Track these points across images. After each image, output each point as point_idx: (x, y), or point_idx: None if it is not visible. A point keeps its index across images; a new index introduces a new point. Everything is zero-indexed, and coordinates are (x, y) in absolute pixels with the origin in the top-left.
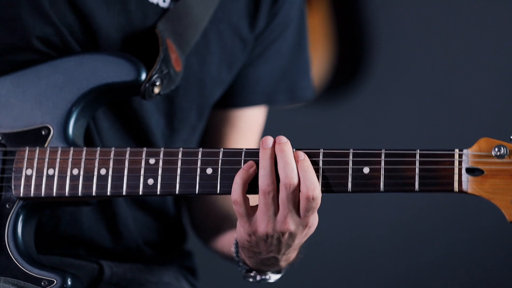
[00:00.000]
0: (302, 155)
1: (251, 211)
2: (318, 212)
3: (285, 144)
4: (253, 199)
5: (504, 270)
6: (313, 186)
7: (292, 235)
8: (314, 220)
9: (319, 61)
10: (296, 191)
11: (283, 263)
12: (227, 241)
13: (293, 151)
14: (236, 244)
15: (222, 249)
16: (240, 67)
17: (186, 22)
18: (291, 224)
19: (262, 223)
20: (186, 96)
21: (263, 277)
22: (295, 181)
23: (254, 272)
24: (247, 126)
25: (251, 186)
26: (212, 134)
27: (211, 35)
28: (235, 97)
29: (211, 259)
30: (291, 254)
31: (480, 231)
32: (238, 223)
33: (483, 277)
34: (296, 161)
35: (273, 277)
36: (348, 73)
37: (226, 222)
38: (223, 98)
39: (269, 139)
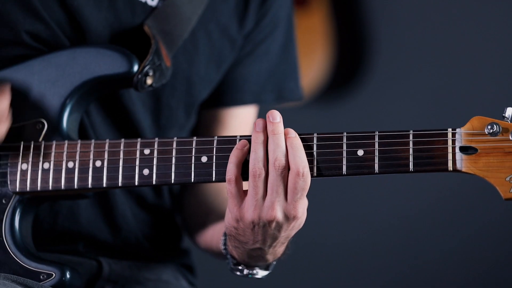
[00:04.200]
0: (293, 132)
1: (242, 194)
2: (318, 211)
3: (277, 125)
4: (245, 184)
5: (504, 269)
6: (303, 164)
7: (278, 225)
8: (301, 210)
9: (319, 61)
10: (285, 172)
11: (269, 257)
12: (216, 236)
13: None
14: (225, 236)
15: (211, 243)
16: (229, 67)
17: (174, 21)
18: (278, 211)
19: (249, 208)
20: (173, 94)
21: (251, 271)
22: (283, 162)
23: (242, 265)
24: (237, 125)
25: (244, 172)
26: (202, 133)
27: (199, 34)
28: (224, 96)
29: (209, 257)
30: (278, 249)
31: (480, 231)
32: (227, 208)
33: (484, 277)
34: (287, 138)
35: (260, 273)
36: (348, 73)
37: (211, 215)
38: (212, 97)
39: (262, 122)
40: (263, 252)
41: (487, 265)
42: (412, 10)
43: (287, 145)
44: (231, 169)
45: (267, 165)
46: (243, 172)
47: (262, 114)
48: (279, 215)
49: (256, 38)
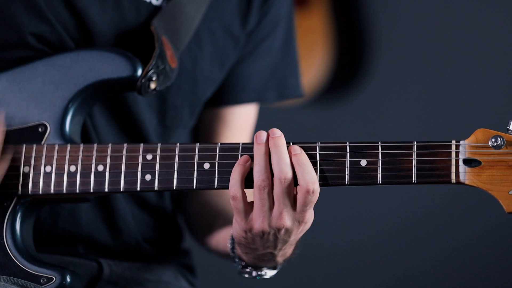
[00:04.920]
0: (298, 149)
1: (248, 207)
2: (318, 212)
3: (278, 138)
4: (249, 194)
5: (504, 269)
6: (313, 180)
7: (288, 231)
8: (310, 215)
9: (319, 61)
10: (290, 185)
11: (279, 259)
12: (222, 238)
13: (289, 145)
14: (232, 240)
15: (217, 246)
16: (232, 65)
17: (180, 20)
18: (287, 220)
19: (257, 220)
20: (179, 94)
21: (259, 272)
22: (289, 175)
23: (250, 268)
24: (239, 124)
25: (247, 180)
26: (204, 132)
27: (203, 33)
28: (226, 95)
29: (209, 257)
30: (288, 250)
31: (480, 231)
32: (234, 220)
33: (483, 277)
34: (293, 155)
35: (269, 273)
36: (348, 73)
37: (218, 219)
38: (214, 96)
39: (263, 134)
40: (273, 255)
41: (487, 266)
42: (412, 10)
43: (293, 162)
44: (234, 185)
45: (271, 176)
46: (247, 180)
47: (264, 111)
48: (288, 223)
49: (258, 36)
